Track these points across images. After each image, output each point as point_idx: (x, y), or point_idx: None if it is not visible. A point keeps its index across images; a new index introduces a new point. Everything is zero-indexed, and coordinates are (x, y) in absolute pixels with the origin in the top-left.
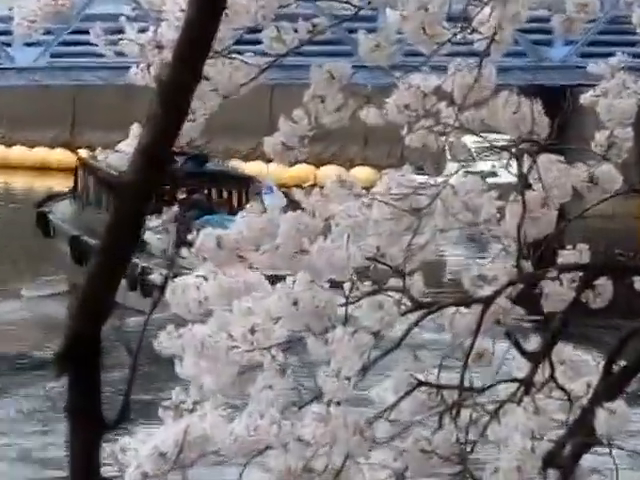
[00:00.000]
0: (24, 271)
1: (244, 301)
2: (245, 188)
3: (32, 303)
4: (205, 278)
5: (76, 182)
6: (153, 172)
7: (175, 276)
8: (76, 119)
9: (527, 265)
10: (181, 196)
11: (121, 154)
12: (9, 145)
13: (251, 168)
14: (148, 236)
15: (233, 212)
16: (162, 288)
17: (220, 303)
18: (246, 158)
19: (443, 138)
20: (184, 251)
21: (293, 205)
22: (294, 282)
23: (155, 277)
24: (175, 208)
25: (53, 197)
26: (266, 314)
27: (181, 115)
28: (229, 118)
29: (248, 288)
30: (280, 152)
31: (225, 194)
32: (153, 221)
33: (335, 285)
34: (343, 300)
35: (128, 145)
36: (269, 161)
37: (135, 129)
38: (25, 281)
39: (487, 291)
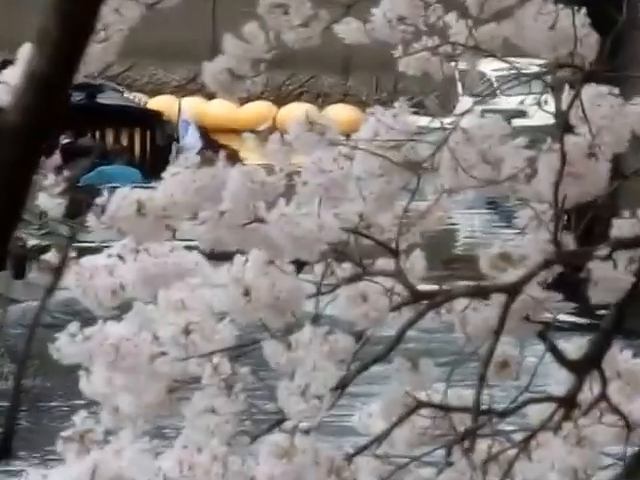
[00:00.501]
0: None
1: (175, 290)
2: (151, 128)
3: None
4: (121, 258)
5: None
6: (47, 108)
7: (79, 255)
8: None
9: (568, 239)
10: (64, 141)
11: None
12: None
13: (188, 106)
14: (42, 200)
15: (135, 162)
16: (59, 272)
17: (142, 293)
18: (180, 92)
19: (452, 64)
20: (90, 221)
21: (213, 150)
22: (245, 263)
23: (50, 257)
24: (56, 157)
25: None
26: (206, 308)
27: (86, 30)
28: (157, 37)
29: (181, 272)
30: (226, 83)
31: (125, 137)
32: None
33: (302, 267)
34: (313, 289)
35: (12, 73)
36: (210, 97)
37: (24, 51)
38: None
39: (513, 276)
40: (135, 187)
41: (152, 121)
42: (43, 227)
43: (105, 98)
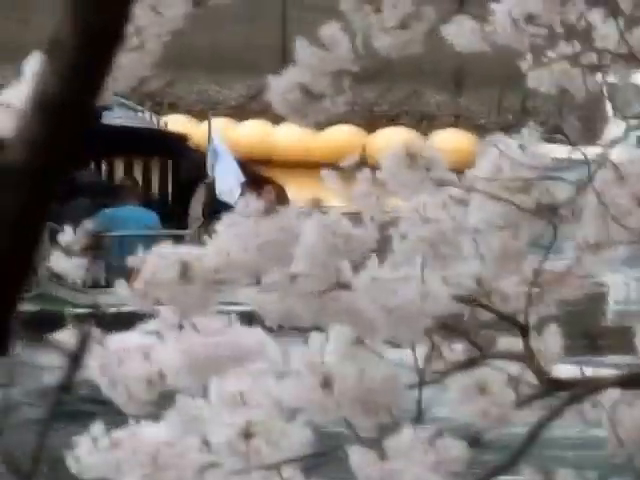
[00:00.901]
0: None
1: (232, 379)
2: (173, 158)
3: None
4: (159, 336)
5: None
6: (61, 142)
7: (104, 330)
8: None
9: None
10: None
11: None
12: None
13: (247, 132)
14: (58, 261)
15: (152, 201)
16: (79, 355)
17: (187, 383)
18: (238, 113)
19: (598, 76)
20: (120, 288)
21: (258, 185)
22: (324, 343)
23: (66, 334)
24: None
25: None
26: (273, 404)
27: (111, 38)
28: (207, 43)
29: (239, 355)
30: (298, 103)
31: (139, 169)
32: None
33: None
34: (414, 377)
35: (15, 93)
36: (277, 120)
37: (30, 65)
38: None
39: None
40: (152, 236)
41: (175, 148)
42: (33, 288)
43: (113, 117)
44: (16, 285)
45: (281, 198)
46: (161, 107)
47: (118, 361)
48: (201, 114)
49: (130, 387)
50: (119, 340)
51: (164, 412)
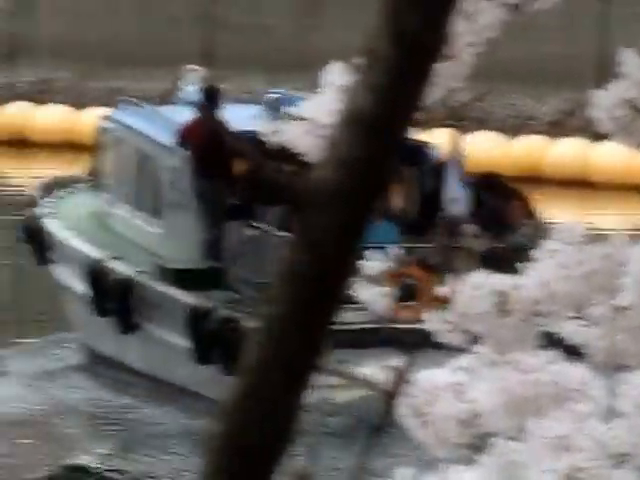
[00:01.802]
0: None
1: (553, 421)
2: (416, 167)
3: (28, 383)
4: (472, 374)
5: (98, 159)
6: (376, 161)
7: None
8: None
9: None
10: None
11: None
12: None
13: (562, 150)
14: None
15: (391, 214)
16: (394, 393)
17: (503, 424)
18: (552, 130)
19: None
20: (429, 322)
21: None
22: None
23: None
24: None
25: (55, 187)
26: (599, 448)
27: (432, 50)
28: (522, 56)
29: (561, 394)
30: (625, 120)
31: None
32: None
33: None
34: None
35: (314, 106)
36: (598, 138)
37: (331, 74)
38: (7, 345)
39: None
40: (391, 249)
41: (417, 157)
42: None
43: None
44: (331, 305)
45: (526, 212)
46: (467, 122)
47: (428, 400)
48: (512, 130)
49: (440, 428)
50: (428, 377)
51: (478, 456)
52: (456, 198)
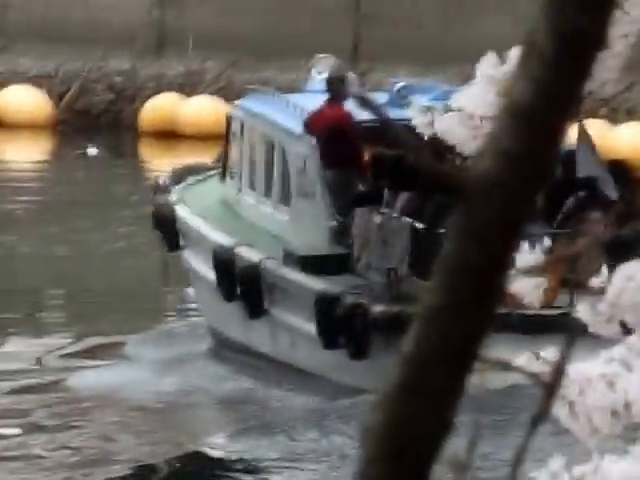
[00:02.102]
0: (138, 314)
1: None
2: None
3: (158, 369)
4: (625, 365)
5: (227, 147)
6: (539, 153)
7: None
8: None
9: None
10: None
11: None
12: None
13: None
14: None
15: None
16: (554, 385)
17: None
18: None
19: None
20: (581, 311)
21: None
22: None
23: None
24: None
25: (186, 175)
26: None
27: (595, 43)
28: None
29: None
30: None
31: None
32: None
33: None
34: None
35: (467, 98)
36: None
37: (486, 66)
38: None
39: None
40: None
41: None
42: (392, 287)
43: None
44: (493, 296)
45: None
46: (616, 113)
47: (579, 390)
48: None
49: (592, 418)
50: (580, 368)
51: (631, 446)
52: (600, 179)
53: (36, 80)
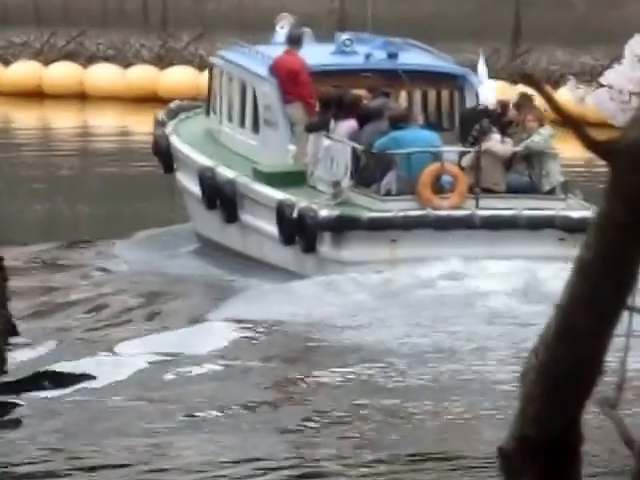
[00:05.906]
0: (129, 221)
1: None
2: (459, 90)
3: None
4: None
5: (209, 89)
6: None
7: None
8: None
9: None
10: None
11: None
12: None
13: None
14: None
15: (438, 126)
16: None
17: None
18: None
19: None
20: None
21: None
22: None
23: None
24: (352, 122)
25: (179, 111)
26: None
27: None
28: None
29: None
30: None
31: (433, 100)
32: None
33: None
34: None
35: (618, 74)
36: None
37: (631, 47)
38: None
39: None
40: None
41: (460, 83)
42: (337, 196)
43: (406, 56)
44: (636, 252)
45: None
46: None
47: None
48: None
49: None
50: None
51: None
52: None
53: None
